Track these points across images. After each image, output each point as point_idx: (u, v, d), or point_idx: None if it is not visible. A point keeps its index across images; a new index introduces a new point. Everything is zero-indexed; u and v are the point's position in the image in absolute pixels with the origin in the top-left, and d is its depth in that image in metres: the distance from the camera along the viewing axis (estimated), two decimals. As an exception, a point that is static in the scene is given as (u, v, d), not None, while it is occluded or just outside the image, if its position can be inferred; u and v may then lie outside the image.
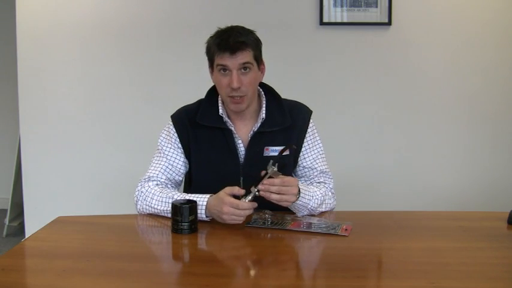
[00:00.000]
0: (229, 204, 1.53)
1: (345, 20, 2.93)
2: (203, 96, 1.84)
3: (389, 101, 3.01)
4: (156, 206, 1.68)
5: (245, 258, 1.44)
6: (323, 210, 1.74)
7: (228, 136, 1.76)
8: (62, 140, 3.08)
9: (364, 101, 3.01)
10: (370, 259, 1.38)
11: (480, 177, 3.04)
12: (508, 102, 3.00)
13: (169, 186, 1.79)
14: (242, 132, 1.79)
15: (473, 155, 3.04)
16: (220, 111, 1.77)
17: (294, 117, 1.81)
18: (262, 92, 1.82)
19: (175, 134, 1.79)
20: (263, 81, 1.83)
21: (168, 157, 1.79)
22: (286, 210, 1.66)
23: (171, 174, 1.79)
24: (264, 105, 1.78)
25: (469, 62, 2.97)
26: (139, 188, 1.75)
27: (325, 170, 1.84)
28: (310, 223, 1.60)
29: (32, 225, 3.02)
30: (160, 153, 1.80)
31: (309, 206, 1.66)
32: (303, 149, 1.83)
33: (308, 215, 1.68)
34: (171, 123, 1.82)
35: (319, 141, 1.86)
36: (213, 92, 1.82)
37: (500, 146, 3.04)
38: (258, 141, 1.77)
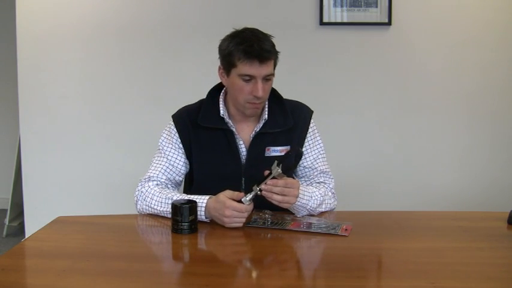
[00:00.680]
0: (231, 208, 1.53)
1: (345, 20, 2.93)
2: (204, 96, 1.83)
3: (389, 101, 3.01)
4: (155, 207, 1.68)
5: (245, 258, 1.44)
6: (323, 210, 1.74)
7: (229, 137, 1.76)
8: (62, 140, 3.08)
9: (364, 100, 3.01)
10: (370, 259, 1.38)
11: (480, 177, 3.04)
12: (508, 102, 3.00)
13: (169, 186, 1.79)
14: (244, 133, 1.79)
15: (473, 155, 3.04)
16: (222, 112, 1.76)
17: (296, 117, 1.81)
18: None
19: (177, 134, 1.79)
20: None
21: (169, 157, 1.79)
22: (286, 210, 1.66)
23: (172, 175, 1.79)
24: (267, 106, 1.78)
25: (468, 61, 2.97)
26: (139, 188, 1.75)
27: (325, 170, 1.84)
28: (310, 223, 1.60)
29: (32, 225, 3.02)
30: (160, 153, 1.80)
31: (308, 207, 1.66)
32: (303, 148, 1.83)
33: (308, 215, 1.68)
34: (172, 123, 1.81)
35: (319, 141, 1.86)
36: (214, 93, 1.81)
37: (499, 146, 3.04)
38: (259, 141, 1.77)
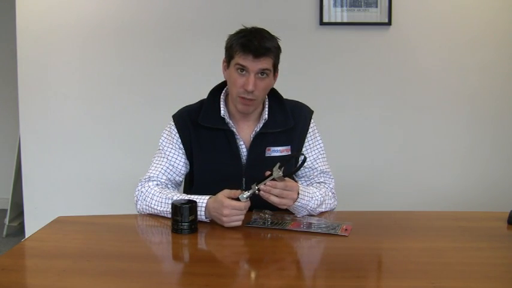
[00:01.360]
0: (230, 207, 1.53)
1: (345, 20, 2.93)
2: (204, 96, 1.83)
3: (389, 101, 3.01)
4: (155, 207, 1.68)
5: (245, 258, 1.44)
6: (323, 210, 1.74)
7: (230, 137, 1.76)
8: (62, 140, 3.08)
9: (364, 100, 3.01)
10: (370, 259, 1.38)
11: (480, 177, 3.04)
12: (508, 102, 3.00)
13: (169, 186, 1.79)
14: (244, 133, 1.79)
15: (473, 155, 3.04)
16: (222, 112, 1.76)
17: (296, 117, 1.81)
18: None
19: (177, 134, 1.79)
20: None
21: (169, 157, 1.79)
22: (286, 211, 1.66)
23: (172, 175, 1.79)
24: (267, 106, 1.78)
25: (469, 61, 2.97)
26: (139, 187, 1.75)
27: (325, 170, 1.85)
28: (310, 223, 1.60)
29: (32, 225, 3.02)
30: (161, 153, 1.80)
31: (308, 207, 1.66)
32: (303, 148, 1.83)
33: (308, 215, 1.68)
34: (173, 122, 1.81)
35: (320, 141, 1.86)
36: (215, 93, 1.81)
37: (500, 146, 3.04)
38: (260, 142, 1.77)
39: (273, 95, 1.82)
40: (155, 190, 1.71)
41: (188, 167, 1.82)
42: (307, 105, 1.89)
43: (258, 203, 1.58)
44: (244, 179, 1.76)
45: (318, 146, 1.85)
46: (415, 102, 3.01)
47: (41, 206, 3.07)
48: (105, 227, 1.66)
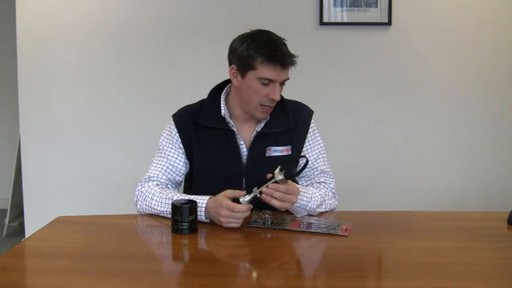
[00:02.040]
0: (226, 207, 1.52)
1: (345, 20, 2.93)
2: (204, 96, 1.83)
3: (389, 101, 3.01)
4: (155, 207, 1.68)
5: (245, 258, 1.44)
6: (323, 210, 1.74)
7: (230, 137, 1.76)
8: (62, 140, 3.08)
9: (364, 100, 3.01)
10: (370, 259, 1.38)
11: (480, 177, 3.04)
12: (508, 102, 3.00)
13: (169, 186, 1.79)
14: (245, 133, 1.79)
15: (473, 155, 3.04)
16: (223, 111, 1.76)
17: (296, 117, 1.81)
18: None
19: (177, 134, 1.79)
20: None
21: (169, 157, 1.79)
22: (286, 211, 1.65)
23: (172, 175, 1.79)
24: None
25: (469, 61, 2.97)
26: (139, 187, 1.75)
27: (326, 169, 1.85)
28: (310, 223, 1.60)
29: (32, 225, 3.02)
30: (161, 153, 1.80)
31: (308, 208, 1.66)
32: (304, 148, 1.83)
33: (308, 215, 1.68)
34: (173, 122, 1.81)
35: (320, 141, 1.86)
36: (215, 93, 1.81)
37: (500, 146, 3.03)
38: (260, 141, 1.77)
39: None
40: (155, 190, 1.71)
41: (188, 166, 1.82)
42: (307, 105, 1.89)
43: (258, 203, 1.58)
44: (244, 178, 1.75)
45: (318, 146, 1.85)
46: (415, 102, 3.01)
47: (41, 206, 3.07)
48: (105, 227, 1.66)
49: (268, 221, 1.61)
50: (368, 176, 3.04)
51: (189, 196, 1.63)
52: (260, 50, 1.62)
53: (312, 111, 1.87)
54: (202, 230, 1.56)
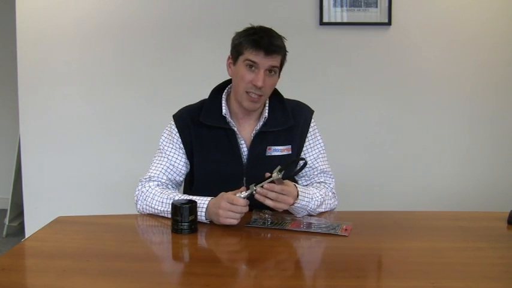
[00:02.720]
0: (226, 199, 1.53)
1: (345, 20, 2.93)
2: (205, 96, 1.83)
3: (389, 101, 3.01)
4: (156, 207, 1.68)
5: (245, 258, 1.44)
6: (323, 210, 1.74)
7: (230, 136, 1.76)
8: (62, 140, 3.08)
9: (364, 101, 3.02)
10: (370, 259, 1.38)
11: (480, 177, 3.04)
12: (508, 102, 3.00)
13: (169, 186, 1.79)
14: (245, 133, 1.79)
15: (473, 155, 3.04)
16: (224, 111, 1.76)
17: (296, 117, 1.81)
18: None
19: (177, 134, 1.79)
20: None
21: (169, 157, 1.79)
22: (286, 211, 1.65)
23: (172, 175, 1.79)
24: (267, 105, 1.79)
25: (468, 62, 2.97)
26: (139, 187, 1.75)
27: (326, 169, 1.85)
28: (310, 223, 1.60)
29: (32, 225, 3.02)
30: (161, 153, 1.80)
31: (308, 208, 1.66)
32: (304, 148, 1.83)
33: (308, 215, 1.68)
34: (173, 122, 1.81)
35: (320, 141, 1.86)
36: (217, 92, 1.82)
37: (500, 146, 3.04)
38: (260, 141, 1.77)
39: (274, 94, 1.82)
40: (156, 190, 1.71)
41: (188, 166, 1.82)
42: (308, 105, 1.89)
43: (258, 203, 1.58)
44: (245, 178, 1.75)
45: (319, 146, 1.85)
46: (415, 102, 3.01)
47: (41, 206, 3.07)
48: (105, 227, 1.66)
49: (268, 221, 1.61)
50: (368, 176, 3.04)
51: (191, 197, 1.63)
52: (248, 36, 1.68)
53: (313, 111, 1.87)
54: (202, 230, 1.56)
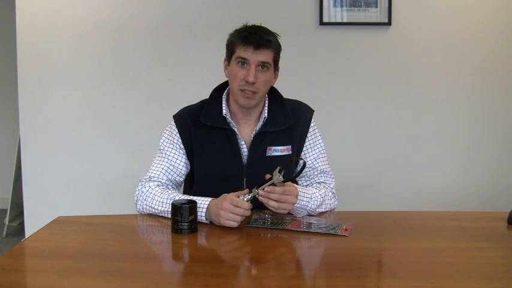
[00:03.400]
0: (230, 200, 1.52)
1: (345, 20, 2.93)
2: (205, 96, 1.83)
3: (389, 101, 3.01)
4: (156, 207, 1.68)
5: (245, 258, 1.44)
6: (323, 210, 1.74)
7: (231, 136, 1.76)
8: (62, 140, 3.08)
9: (364, 100, 3.02)
10: (370, 259, 1.38)
11: (480, 177, 3.04)
12: (508, 102, 3.00)
13: (170, 187, 1.79)
14: (245, 133, 1.79)
15: (473, 155, 3.04)
16: (224, 111, 1.76)
17: (296, 116, 1.81)
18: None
19: (178, 134, 1.79)
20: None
21: (170, 158, 1.79)
22: (286, 211, 1.66)
23: (172, 175, 1.79)
24: (267, 105, 1.79)
25: (469, 61, 2.97)
26: (139, 187, 1.75)
27: (326, 169, 1.85)
28: (310, 223, 1.60)
29: (32, 225, 3.02)
30: (161, 153, 1.80)
31: (308, 208, 1.66)
32: (304, 148, 1.83)
33: (308, 215, 1.68)
34: (173, 123, 1.81)
35: (320, 141, 1.86)
36: (217, 93, 1.82)
37: (500, 146, 3.04)
38: (260, 141, 1.77)
39: (273, 94, 1.82)
40: (156, 190, 1.71)
41: (189, 167, 1.82)
42: (308, 104, 1.89)
43: (258, 204, 1.58)
44: (245, 178, 1.76)
45: (319, 146, 1.85)
46: (415, 102, 3.01)
47: (41, 206, 3.07)
48: (105, 227, 1.66)
49: (268, 221, 1.61)
50: (368, 176, 3.04)
51: (191, 198, 1.63)
52: (239, 34, 1.70)
53: (313, 111, 1.87)
54: (202, 230, 1.56)
